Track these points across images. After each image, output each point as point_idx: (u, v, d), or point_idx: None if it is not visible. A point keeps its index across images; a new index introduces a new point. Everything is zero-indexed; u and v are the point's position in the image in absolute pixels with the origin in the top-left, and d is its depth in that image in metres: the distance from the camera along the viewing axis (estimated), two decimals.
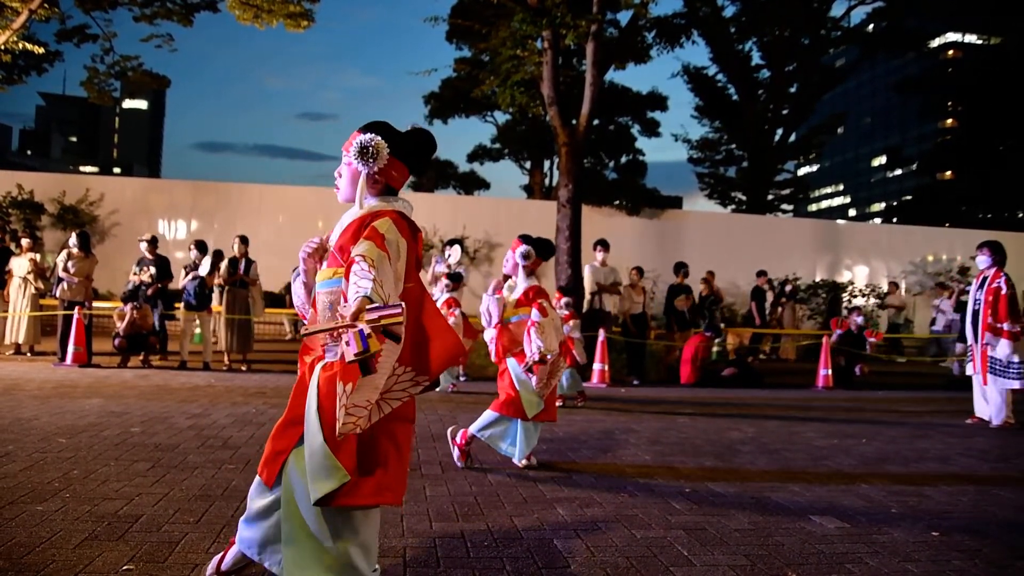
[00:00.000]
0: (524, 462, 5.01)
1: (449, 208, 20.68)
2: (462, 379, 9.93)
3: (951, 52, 76.64)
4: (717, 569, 3.16)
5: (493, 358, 5.34)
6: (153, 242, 10.75)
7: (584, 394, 8.63)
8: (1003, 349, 7.69)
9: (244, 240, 10.82)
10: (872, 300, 20.76)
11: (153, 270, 10.48)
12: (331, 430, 2.32)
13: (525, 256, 5.23)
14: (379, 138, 2.60)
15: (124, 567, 2.90)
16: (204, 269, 10.48)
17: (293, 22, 14.53)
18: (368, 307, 2.16)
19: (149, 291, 10.38)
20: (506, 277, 5.42)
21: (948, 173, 57.94)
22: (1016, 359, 7.67)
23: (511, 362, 5.11)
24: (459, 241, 10.40)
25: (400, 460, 2.50)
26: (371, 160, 2.59)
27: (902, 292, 19.68)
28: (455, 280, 9.49)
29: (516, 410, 4.98)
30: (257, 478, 2.58)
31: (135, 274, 10.52)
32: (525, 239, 5.31)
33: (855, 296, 20.54)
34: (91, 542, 3.16)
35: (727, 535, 3.64)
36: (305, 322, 2.71)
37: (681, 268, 12.35)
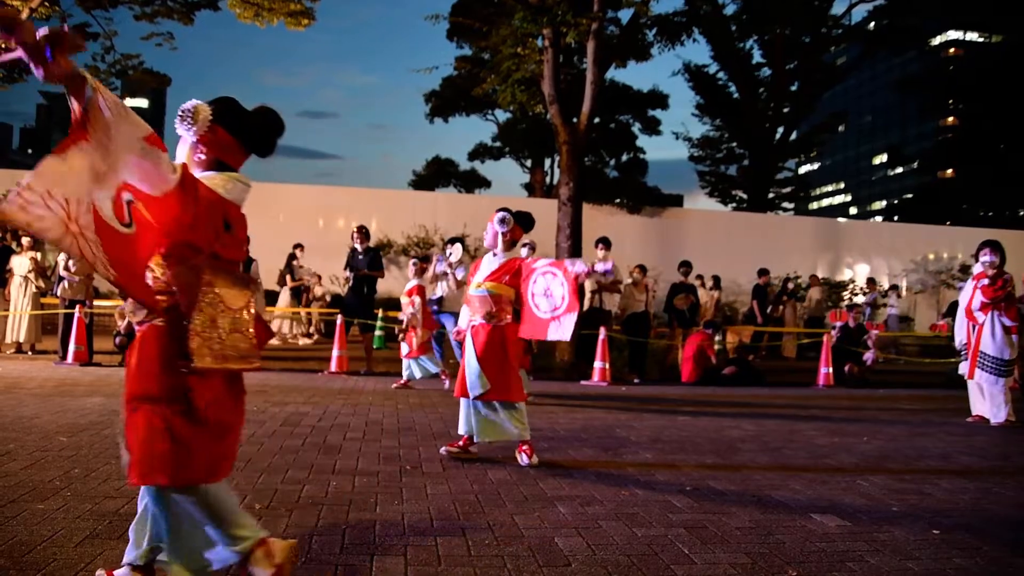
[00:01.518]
0: (527, 461, 5.00)
1: (450, 206, 20.67)
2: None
3: (952, 50, 76.68)
4: (718, 567, 3.16)
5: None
6: None
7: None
8: (992, 343, 7.75)
9: None
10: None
11: None
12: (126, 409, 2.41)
13: (503, 221, 5.15)
14: (201, 103, 2.53)
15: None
16: None
17: (294, 20, 14.50)
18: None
19: None
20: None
21: (949, 171, 57.99)
22: (1007, 356, 7.71)
23: (468, 342, 5.17)
24: (460, 239, 10.39)
25: (175, 444, 2.39)
26: (189, 123, 2.50)
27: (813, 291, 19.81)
28: (424, 261, 9.52)
29: (460, 390, 5.11)
30: None
31: None
32: (502, 209, 5.28)
33: (855, 294, 20.55)
34: (92, 540, 3.16)
35: (728, 533, 3.64)
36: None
37: (683, 266, 12.35)
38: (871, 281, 19.40)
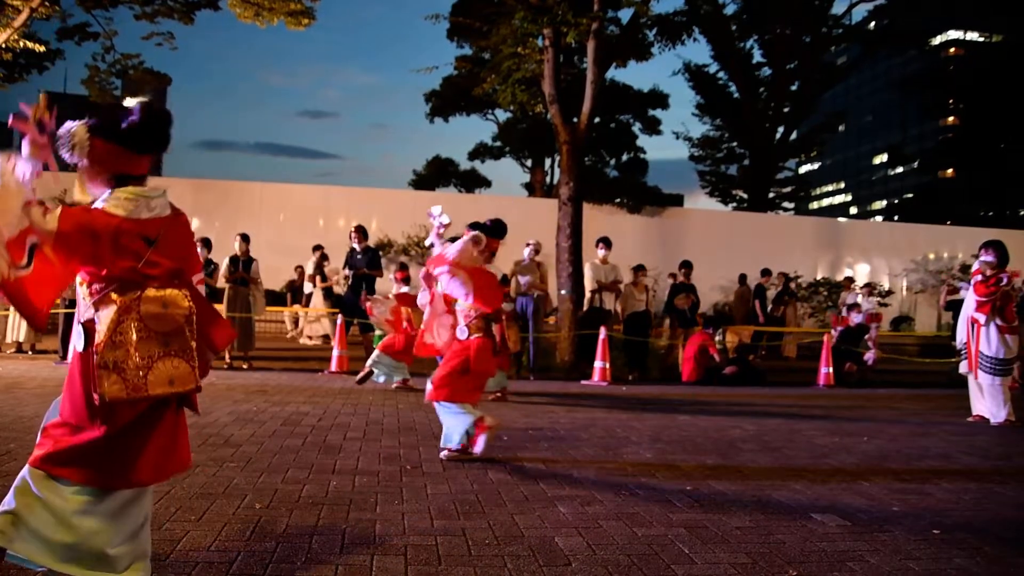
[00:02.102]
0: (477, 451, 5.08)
1: (450, 206, 20.33)
2: None
3: (952, 50, 76.58)
4: (718, 567, 3.16)
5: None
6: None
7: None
8: (987, 343, 7.75)
9: (245, 238, 10.80)
10: (873, 298, 20.74)
11: None
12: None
13: (475, 241, 5.16)
14: (76, 124, 2.48)
15: None
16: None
17: (294, 20, 14.51)
18: None
19: None
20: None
21: (950, 171, 57.93)
22: (1003, 355, 7.72)
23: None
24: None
25: (69, 440, 2.48)
26: (68, 149, 2.47)
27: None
28: (403, 269, 9.49)
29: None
30: None
31: None
32: (474, 226, 5.29)
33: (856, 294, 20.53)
34: None
35: (728, 533, 3.63)
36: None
37: (684, 266, 12.33)
38: (849, 280, 19.04)
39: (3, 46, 13.93)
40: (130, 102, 2.62)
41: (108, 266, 2.43)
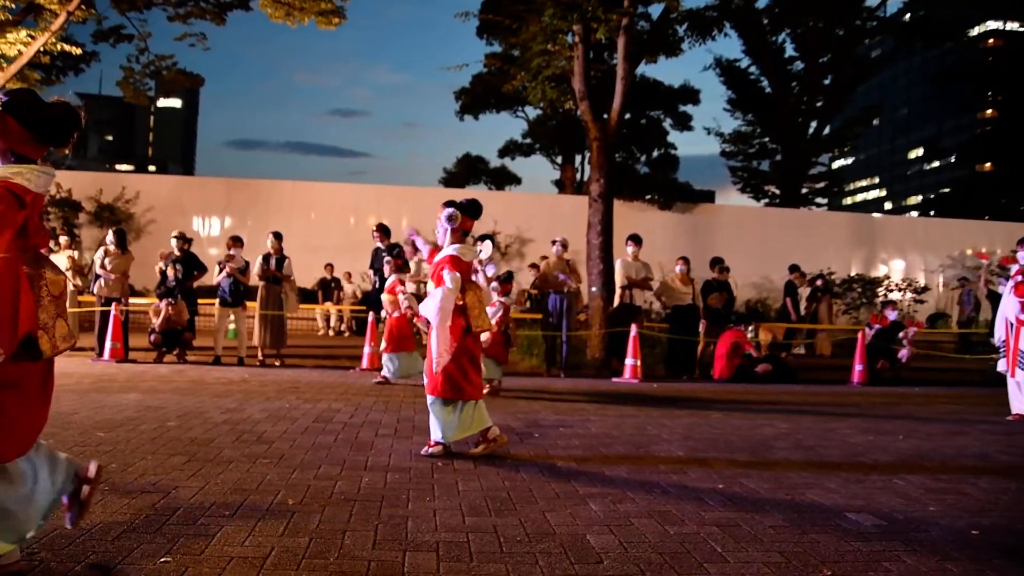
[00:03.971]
0: (475, 449, 5.10)
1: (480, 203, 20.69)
2: None
3: (991, 41, 75.17)
4: (751, 566, 3.13)
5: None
6: (181, 238, 11.04)
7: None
8: None
9: (278, 236, 10.89)
10: (909, 295, 20.45)
11: (179, 266, 10.77)
12: None
13: (450, 218, 5.19)
14: None
15: (161, 559, 2.95)
16: (238, 263, 10.60)
17: (324, 19, 14.63)
18: None
19: (170, 283, 10.69)
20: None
21: (987, 165, 56.96)
22: None
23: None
24: (490, 237, 10.37)
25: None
26: None
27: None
28: (399, 257, 9.21)
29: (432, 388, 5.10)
30: None
31: (160, 270, 10.84)
32: (449, 203, 5.30)
33: (891, 291, 20.25)
34: (129, 534, 3.21)
35: (761, 532, 3.60)
36: None
37: (716, 263, 12.15)
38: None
39: (41, 50, 14.18)
40: (57, 99, 2.76)
41: (31, 237, 2.61)
